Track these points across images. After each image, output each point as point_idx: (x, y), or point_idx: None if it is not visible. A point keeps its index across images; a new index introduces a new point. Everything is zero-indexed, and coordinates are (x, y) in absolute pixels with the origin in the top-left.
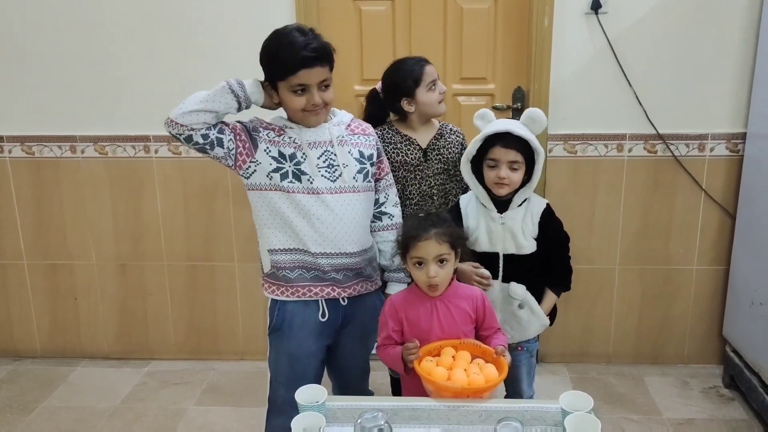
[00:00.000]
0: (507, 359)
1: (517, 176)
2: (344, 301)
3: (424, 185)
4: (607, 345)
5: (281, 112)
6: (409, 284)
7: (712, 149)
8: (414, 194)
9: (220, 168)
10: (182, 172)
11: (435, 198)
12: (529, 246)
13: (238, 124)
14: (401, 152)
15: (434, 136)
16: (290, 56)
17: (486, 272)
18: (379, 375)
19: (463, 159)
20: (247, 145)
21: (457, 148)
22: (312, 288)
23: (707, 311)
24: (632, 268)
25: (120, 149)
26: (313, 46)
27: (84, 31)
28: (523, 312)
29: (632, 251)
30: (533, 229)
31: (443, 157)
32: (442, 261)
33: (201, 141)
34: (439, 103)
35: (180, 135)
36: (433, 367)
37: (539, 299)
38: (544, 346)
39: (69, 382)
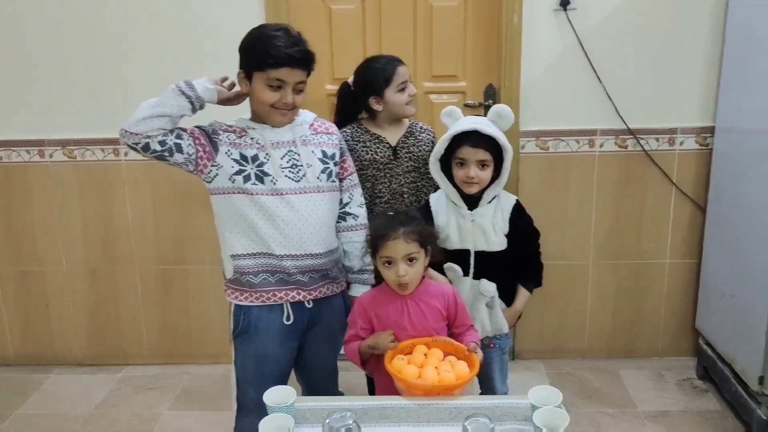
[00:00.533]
0: (479, 356)
1: (486, 174)
2: (309, 304)
3: (395, 183)
4: (582, 340)
5: (241, 111)
6: (373, 286)
7: (681, 143)
8: (384, 192)
9: None
10: (152, 175)
11: (406, 196)
12: (499, 242)
13: (196, 129)
14: (370, 150)
15: (404, 135)
16: (278, 51)
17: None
18: (354, 375)
19: (431, 158)
20: (207, 148)
21: (427, 146)
22: (276, 292)
23: (680, 304)
24: (606, 264)
25: (89, 153)
26: (300, 49)
27: (50, 34)
28: (490, 311)
29: (605, 246)
30: (503, 226)
31: (413, 155)
32: (411, 260)
33: (159, 148)
34: (407, 104)
35: (137, 144)
36: (404, 366)
37: (511, 296)
38: (520, 342)
39: (43, 390)
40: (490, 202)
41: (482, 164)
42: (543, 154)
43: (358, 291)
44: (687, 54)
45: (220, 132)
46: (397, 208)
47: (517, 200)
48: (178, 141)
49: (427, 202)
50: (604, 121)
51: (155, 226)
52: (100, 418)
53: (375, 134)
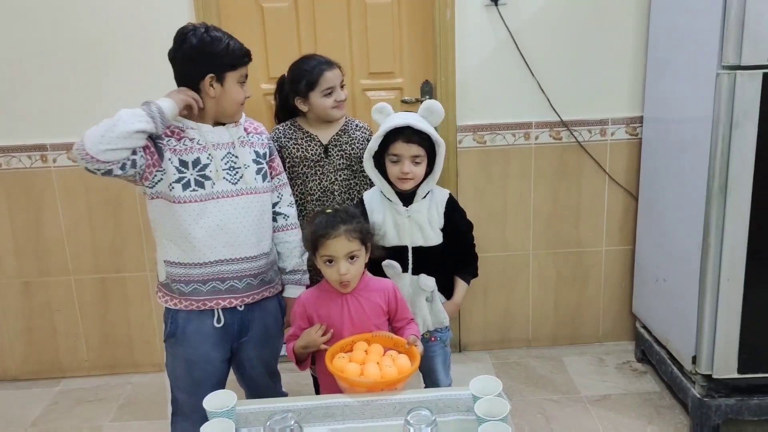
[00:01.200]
0: (419, 349)
1: (420, 170)
2: (242, 307)
3: (325, 181)
4: (527, 329)
5: None
6: (308, 286)
7: (612, 134)
8: (315, 190)
9: None
10: (84, 181)
11: (337, 194)
12: (436, 237)
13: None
14: (301, 148)
15: (337, 132)
16: (240, 48)
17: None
18: (302, 376)
19: (365, 155)
20: (155, 156)
21: (362, 144)
22: (207, 302)
23: (618, 290)
24: (546, 253)
25: (15, 160)
26: (247, 54)
27: None
28: (430, 305)
29: (545, 236)
30: (439, 220)
31: (346, 153)
32: (352, 258)
33: (120, 172)
34: (333, 108)
35: (98, 170)
36: (345, 364)
37: (449, 289)
38: (465, 334)
39: None
40: (424, 197)
41: (416, 160)
42: (480, 148)
43: (292, 292)
44: (615, 47)
45: (163, 136)
46: (332, 206)
47: (450, 194)
48: (134, 157)
49: (361, 199)
50: (539, 113)
51: (90, 234)
52: None
53: (307, 132)
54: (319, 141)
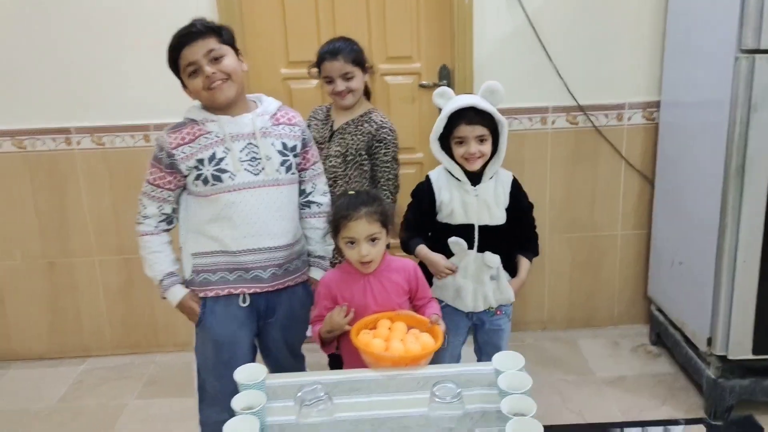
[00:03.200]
0: (441, 327)
1: (486, 148)
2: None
3: (324, 164)
4: (542, 312)
5: (191, 112)
6: (333, 264)
7: (629, 118)
8: None
9: (148, 157)
10: (107, 163)
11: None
12: (501, 216)
13: (160, 178)
14: (316, 129)
15: (348, 121)
16: (172, 45)
17: (453, 265)
18: (323, 357)
19: (431, 137)
20: (177, 177)
21: (365, 138)
22: (233, 289)
23: (632, 274)
24: (561, 237)
25: (39, 143)
26: (188, 28)
27: None
28: (493, 283)
29: (560, 221)
30: (505, 200)
31: (344, 142)
32: (373, 240)
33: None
34: (333, 95)
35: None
36: (370, 339)
37: (510, 267)
38: None
39: (1, 387)
40: (491, 177)
41: (480, 139)
42: None
43: (317, 274)
44: (631, 30)
45: (173, 152)
46: (357, 188)
47: (514, 176)
48: (167, 212)
49: (428, 178)
50: (555, 98)
51: (114, 215)
52: (63, 411)
53: (329, 115)
54: (332, 126)
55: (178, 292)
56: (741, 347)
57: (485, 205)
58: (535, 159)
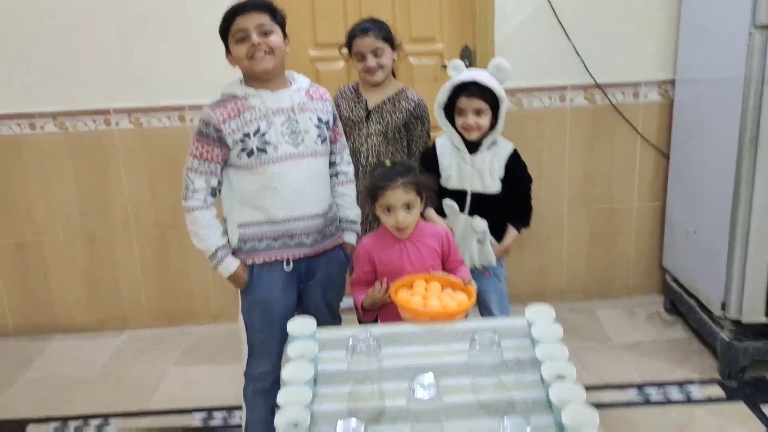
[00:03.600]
0: (474, 287)
1: (483, 121)
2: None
3: (357, 143)
4: (561, 282)
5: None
6: (365, 231)
7: (645, 96)
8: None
9: (183, 137)
10: (144, 143)
11: (363, 157)
12: (494, 186)
13: (211, 152)
14: (348, 109)
15: (384, 100)
16: (229, 11)
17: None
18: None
19: (435, 107)
20: (223, 149)
21: (404, 115)
22: (278, 255)
23: (648, 245)
24: (579, 210)
25: (81, 124)
26: (248, 1)
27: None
28: (479, 246)
29: (579, 195)
30: (500, 171)
31: (384, 120)
32: (409, 207)
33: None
34: (364, 73)
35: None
36: (409, 297)
37: (501, 234)
38: None
39: (46, 356)
40: (488, 148)
41: (478, 112)
42: (517, 111)
43: (350, 237)
44: (648, 10)
45: (221, 127)
46: (392, 159)
47: (515, 148)
48: (214, 185)
49: (434, 145)
50: (574, 76)
51: (150, 192)
52: (107, 376)
53: (360, 94)
54: (366, 105)
55: (231, 264)
56: (754, 310)
57: (479, 173)
58: (554, 136)
